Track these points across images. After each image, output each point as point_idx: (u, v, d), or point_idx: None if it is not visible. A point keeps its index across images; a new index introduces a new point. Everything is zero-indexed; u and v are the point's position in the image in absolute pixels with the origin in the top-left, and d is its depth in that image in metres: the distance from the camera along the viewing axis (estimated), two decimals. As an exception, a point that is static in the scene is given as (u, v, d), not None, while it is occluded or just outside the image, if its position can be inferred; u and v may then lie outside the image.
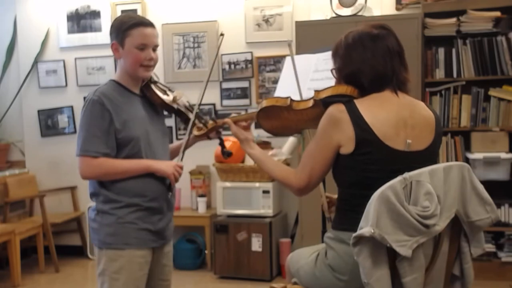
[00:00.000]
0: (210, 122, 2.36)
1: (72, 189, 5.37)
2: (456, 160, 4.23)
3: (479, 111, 4.29)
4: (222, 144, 2.44)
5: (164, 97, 2.35)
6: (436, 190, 1.71)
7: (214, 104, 5.02)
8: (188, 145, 2.38)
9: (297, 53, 4.26)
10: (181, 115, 2.43)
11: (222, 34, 2.43)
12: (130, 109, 2.26)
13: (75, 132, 5.17)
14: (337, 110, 1.81)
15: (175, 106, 2.38)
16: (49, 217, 4.92)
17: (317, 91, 1.98)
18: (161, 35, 4.83)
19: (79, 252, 5.37)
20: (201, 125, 2.36)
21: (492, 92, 4.27)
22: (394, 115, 1.82)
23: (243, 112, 2.18)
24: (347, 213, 1.86)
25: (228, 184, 4.60)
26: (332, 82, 2.01)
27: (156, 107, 2.39)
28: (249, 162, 4.50)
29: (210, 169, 4.95)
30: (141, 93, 2.35)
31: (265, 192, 4.47)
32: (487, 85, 4.29)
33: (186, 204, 4.99)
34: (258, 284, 4.33)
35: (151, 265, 2.32)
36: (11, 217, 4.95)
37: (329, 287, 1.88)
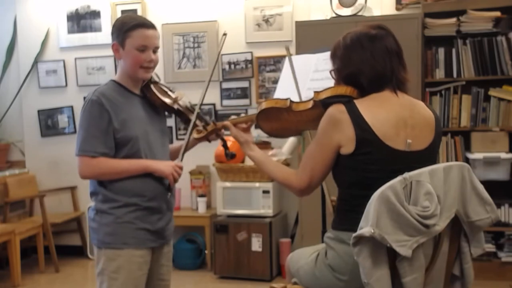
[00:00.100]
0: (210, 124, 2.35)
1: (72, 189, 5.37)
2: (456, 160, 4.23)
3: (479, 111, 4.29)
4: (225, 145, 2.43)
5: (164, 98, 2.35)
6: (436, 190, 1.71)
7: (214, 104, 5.02)
8: (188, 147, 2.37)
9: (297, 53, 4.27)
10: (182, 115, 2.42)
11: (225, 34, 2.43)
12: (130, 109, 2.26)
13: (75, 132, 5.17)
14: (337, 111, 1.81)
15: (175, 106, 2.37)
16: (49, 217, 4.92)
17: (316, 92, 1.98)
18: (161, 35, 4.80)
19: (79, 252, 5.37)
20: (200, 128, 2.35)
21: (492, 92, 4.27)
22: (394, 115, 1.82)
23: (242, 114, 2.18)
24: (347, 213, 1.86)
25: (228, 184, 4.60)
26: (332, 82, 2.01)
27: (157, 107, 2.38)
28: (249, 162, 4.50)
29: (210, 169, 4.95)
30: (141, 93, 2.35)
31: (265, 192, 4.47)
32: (487, 85, 4.29)
33: (186, 204, 4.99)
34: (258, 284, 4.33)
35: (151, 265, 2.32)
36: (11, 217, 4.95)
37: (329, 287, 1.89)
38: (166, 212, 2.35)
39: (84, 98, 2.30)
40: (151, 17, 4.29)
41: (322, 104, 1.93)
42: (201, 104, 2.36)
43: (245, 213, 4.53)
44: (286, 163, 4.39)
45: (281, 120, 2.10)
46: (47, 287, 4.60)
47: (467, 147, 4.33)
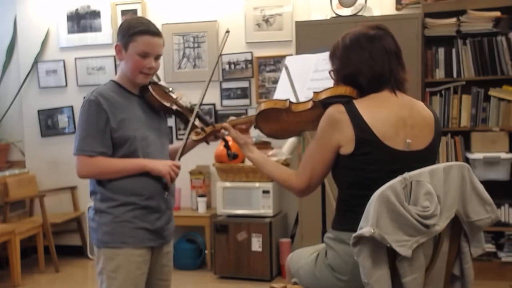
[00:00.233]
0: (208, 126, 2.33)
1: (72, 189, 5.37)
2: (456, 160, 4.23)
3: (479, 111, 4.29)
4: (227, 146, 2.41)
5: (161, 99, 2.34)
6: (436, 190, 1.71)
7: (214, 104, 5.02)
8: (186, 149, 2.37)
9: (297, 53, 4.28)
10: (181, 116, 2.41)
11: (227, 31, 2.41)
12: (128, 109, 2.26)
13: (75, 132, 5.16)
14: (337, 111, 1.81)
15: (173, 108, 2.37)
16: (49, 217, 4.92)
17: (316, 93, 1.98)
18: (161, 35, 4.82)
19: (79, 252, 5.37)
20: (199, 130, 2.34)
21: (492, 92, 4.27)
22: (393, 115, 1.82)
23: (243, 116, 2.18)
24: (347, 214, 1.86)
25: (228, 184, 4.60)
26: (332, 82, 2.01)
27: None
28: (249, 162, 4.48)
29: (210, 169, 4.95)
30: (140, 93, 2.35)
31: (265, 192, 4.47)
32: (487, 85, 4.29)
33: (186, 204, 4.99)
34: (258, 284, 4.33)
35: (151, 265, 2.32)
36: (11, 217, 4.95)
37: (329, 287, 1.89)
38: (165, 211, 2.35)
39: (84, 98, 2.30)
40: (151, 17, 4.29)
41: (321, 104, 1.93)
42: (201, 104, 2.35)
43: (245, 213, 4.53)
44: (286, 163, 4.39)
45: (280, 121, 2.10)
46: (47, 287, 4.60)
47: (467, 147, 4.33)
